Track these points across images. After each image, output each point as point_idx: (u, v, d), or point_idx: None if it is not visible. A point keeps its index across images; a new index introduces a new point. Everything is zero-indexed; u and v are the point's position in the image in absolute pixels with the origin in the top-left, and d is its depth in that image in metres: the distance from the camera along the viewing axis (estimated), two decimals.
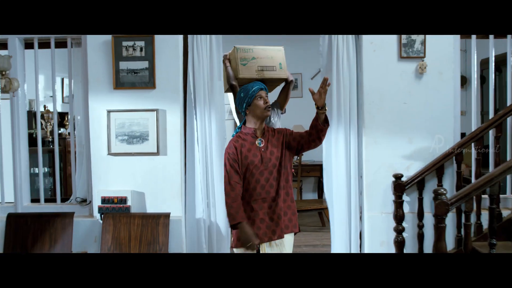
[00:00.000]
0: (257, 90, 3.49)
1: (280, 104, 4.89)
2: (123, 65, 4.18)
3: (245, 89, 3.53)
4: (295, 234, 3.62)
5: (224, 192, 3.49)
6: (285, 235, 3.49)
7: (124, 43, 4.16)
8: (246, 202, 3.48)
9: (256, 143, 3.50)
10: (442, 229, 3.23)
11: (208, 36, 4.31)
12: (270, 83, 4.65)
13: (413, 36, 4.17)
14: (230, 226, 3.50)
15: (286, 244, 3.53)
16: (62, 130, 7.33)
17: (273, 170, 3.47)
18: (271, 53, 4.68)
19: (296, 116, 7.00)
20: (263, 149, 3.49)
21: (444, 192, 3.21)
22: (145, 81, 4.20)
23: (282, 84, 4.82)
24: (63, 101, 8.11)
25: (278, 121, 4.83)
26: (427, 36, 4.20)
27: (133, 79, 4.19)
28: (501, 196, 4.06)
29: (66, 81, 7.81)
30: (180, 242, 4.23)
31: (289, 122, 6.52)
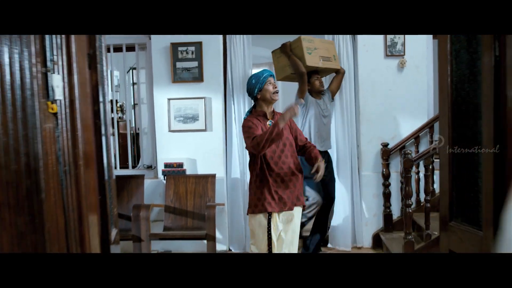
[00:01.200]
0: (267, 76, 3.75)
1: (332, 92, 5.47)
2: (179, 64, 5.59)
3: (256, 76, 3.77)
4: (302, 208, 3.89)
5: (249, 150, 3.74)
6: (294, 208, 3.73)
7: (179, 48, 5.57)
8: (261, 177, 3.66)
9: (267, 123, 3.75)
10: (409, 178, 4.61)
11: (241, 37, 5.66)
12: (323, 73, 5.40)
13: (395, 39, 5.49)
14: (278, 134, 3.43)
15: (295, 216, 3.76)
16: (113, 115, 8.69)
17: (284, 148, 3.68)
18: (326, 45, 5.27)
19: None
20: None
21: (410, 152, 4.58)
22: (195, 76, 5.61)
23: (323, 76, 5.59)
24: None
25: (329, 107, 5.39)
26: (406, 37, 5.51)
27: (187, 75, 5.60)
28: None
29: (115, 73, 9.21)
30: (223, 195, 5.66)
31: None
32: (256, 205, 3.67)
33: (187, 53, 5.58)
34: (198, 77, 5.60)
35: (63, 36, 1.88)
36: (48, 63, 1.77)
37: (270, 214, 3.62)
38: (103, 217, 2.25)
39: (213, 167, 5.67)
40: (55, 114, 1.83)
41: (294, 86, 5.32)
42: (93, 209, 2.14)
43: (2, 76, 1.62)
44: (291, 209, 3.69)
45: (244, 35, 5.64)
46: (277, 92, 3.75)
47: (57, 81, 1.81)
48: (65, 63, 1.90)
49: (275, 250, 3.67)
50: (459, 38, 2.44)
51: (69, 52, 1.93)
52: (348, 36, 5.60)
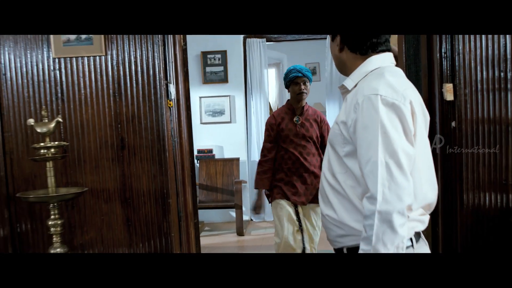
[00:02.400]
0: (293, 78, 3.77)
1: None
2: (208, 69, 6.88)
3: (285, 73, 3.88)
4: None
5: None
6: (311, 204, 3.77)
7: (208, 56, 6.85)
8: (281, 169, 3.79)
9: (294, 119, 3.80)
10: None
11: (257, 43, 6.93)
12: None
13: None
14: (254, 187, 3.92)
15: (315, 211, 3.81)
16: None
17: (306, 145, 3.74)
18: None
19: (315, 96, 9.47)
20: (299, 126, 3.78)
21: None
22: (221, 78, 6.90)
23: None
24: None
25: None
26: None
27: (214, 77, 6.89)
28: None
29: None
30: (245, 175, 6.94)
31: (310, 100, 9.04)
32: (272, 192, 3.84)
33: (214, 59, 6.87)
34: (223, 79, 6.89)
35: (173, 60, 3.17)
36: (168, 78, 3.07)
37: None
38: (192, 177, 3.55)
39: (236, 152, 6.94)
40: (170, 108, 3.13)
41: None
42: (186, 167, 3.42)
43: (149, 87, 2.93)
44: (304, 203, 3.74)
45: (260, 40, 6.92)
46: (302, 93, 3.78)
47: (172, 88, 3.11)
48: (173, 77, 3.19)
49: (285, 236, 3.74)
50: (409, 37, 3.60)
51: (176, 70, 3.22)
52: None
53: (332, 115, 7.10)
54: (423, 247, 1.75)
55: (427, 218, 1.76)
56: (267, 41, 7.06)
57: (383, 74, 1.66)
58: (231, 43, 6.83)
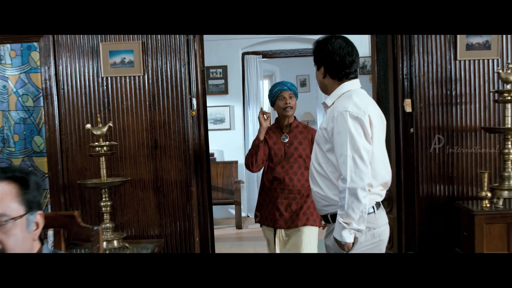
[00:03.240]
0: (279, 91, 3.63)
1: None
2: (210, 82, 7.74)
3: (270, 90, 3.74)
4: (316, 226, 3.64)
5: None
6: (301, 227, 3.57)
7: (211, 70, 7.71)
8: (267, 189, 3.66)
9: (281, 138, 3.66)
10: None
11: (254, 59, 7.82)
12: None
13: (366, 62, 7.66)
14: (256, 144, 3.57)
15: (302, 235, 3.58)
16: None
17: (293, 165, 3.59)
18: None
19: (306, 106, 10.18)
20: (287, 145, 3.63)
21: None
22: (222, 90, 7.76)
23: None
24: None
25: None
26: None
27: (216, 89, 7.75)
28: None
29: None
30: (243, 176, 7.77)
31: (299, 111, 9.73)
32: (256, 216, 3.80)
33: (216, 73, 7.75)
34: (224, 91, 7.76)
35: (195, 78, 4.03)
36: (191, 93, 3.94)
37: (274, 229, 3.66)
38: (207, 170, 4.40)
39: (235, 156, 7.78)
40: (192, 116, 3.99)
41: None
42: (204, 163, 4.28)
43: (177, 100, 3.81)
44: (290, 227, 3.59)
45: (257, 56, 7.81)
46: (288, 108, 3.62)
47: (194, 101, 3.97)
48: (195, 92, 4.05)
49: None
50: (379, 61, 4.44)
51: (197, 86, 4.08)
52: None
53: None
54: (382, 213, 2.63)
55: (384, 192, 2.66)
56: (263, 57, 7.95)
57: (351, 96, 2.55)
58: (231, 59, 7.71)
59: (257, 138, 3.58)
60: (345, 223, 2.43)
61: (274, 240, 3.64)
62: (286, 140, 3.64)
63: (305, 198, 3.58)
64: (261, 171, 3.77)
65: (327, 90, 2.72)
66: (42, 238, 1.71)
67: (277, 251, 3.61)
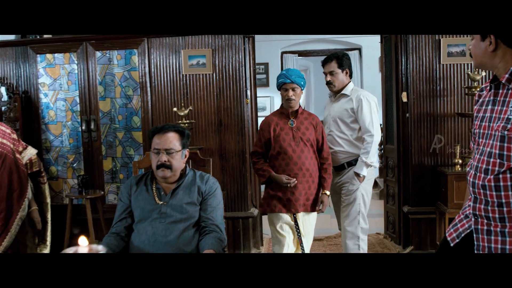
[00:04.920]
0: (281, 83, 3.73)
1: None
2: (258, 76, 9.22)
3: (277, 76, 3.84)
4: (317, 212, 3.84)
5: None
6: (312, 213, 3.79)
7: (257, 66, 9.18)
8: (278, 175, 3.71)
9: (289, 123, 3.74)
10: None
11: (291, 57, 9.27)
12: None
13: None
14: (264, 183, 3.80)
15: (312, 221, 3.83)
16: None
17: (304, 149, 3.68)
18: None
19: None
20: (294, 129, 3.71)
21: None
22: (264, 83, 9.25)
23: None
24: None
25: None
26: None
27: (259, 82, 9.17)
28: None
29: None
30: None
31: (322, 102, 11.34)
32: (261, 204, 3.86)
33: (259, 69, 9.24)
34: (265, 84, 9.27)
35: (249, 74, 5.53)
36: (246, 85, 5.44)
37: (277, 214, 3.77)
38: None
39: None
40: (247, 104, 5.48)
41: None
42: (254, 136, 5.76)
43: (236, 91, 5.33)
44: (307, 211, 3.71)
45: (293, 55, 9.26)
46: (290, 100, 3.70)
47: (248, 92, 5.47)
48: (249, 85, 5.54)
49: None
50: (386, 63, 5.87)
51: (250, 80, 5.57)
52: (357, 55, 9.18)
53: None
54: None
55: None
56: (298, 55, 9.42)
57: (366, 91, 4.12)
58: (272, 57, 9.22)
59: (264, 177, 3.77)
60: (369, 162, 4.02)
61: (294, 225, 3.74)
62: (294, 125, 3.74)
63: (316, 183, 3.78)
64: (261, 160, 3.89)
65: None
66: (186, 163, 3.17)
67: (302, 234, 3.74)
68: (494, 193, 1.96)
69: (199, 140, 5.43)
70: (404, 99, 5.24)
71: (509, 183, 1.90)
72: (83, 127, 5.57)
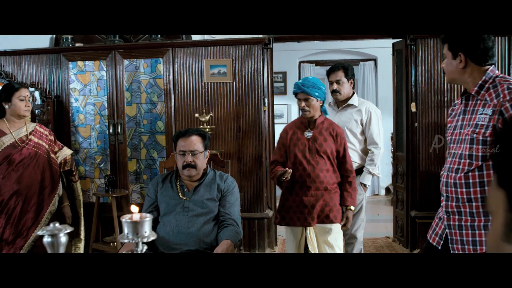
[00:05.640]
0: (295, 92, 3.62)
1: None
2: (276, 85, 9.55)
3: (294, 84, 3.69)
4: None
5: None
6: (330, 225, 3.55)
7: (274, 75, 9.53)
8: (292, 187, 3.59)
9: (305, 133, 3.61)
10: None
11: (308, 66, 9.61)
12: None
13: None
14: (281, 188, 3.72)
15: (331, 233, 3.57)
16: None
17: (319, 161, 3.54)
18: None
19: None
20: (311, 140, 3.57)
21: None
22: (282, 91, 9.59)
23: None
24: None
25: None
26: None
27: (277, 91, 9.48)
28: None
29: None
30: None
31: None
32: (276, 216, 3.78)
33: (277, 78, 9.58)
34: (283, 92, 9.60)
35: (267, 83, 5.87)
36: (264, 93, 5.78)
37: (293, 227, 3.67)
38: (273, 149, 6.22)
39: None
40: (264, 111, 5.82)
41: None
42: (270, 143, 6.09)
43: (254, 98, 5.67)
44: (310, 225, 3.53)
45: (310, 64, 9.58)
46: (304, 110, 3.55)
47: (265, 100, 5.80)
48: (266, 93, 5.88)
49: None
50: (397, 76, 6.17)
51: (268, 88, 5.92)
52: (372, 65, 9.48)
53: None
54: None
55: None
56: (315, 65, 9.74)
57: (371, 103, 4.41)
58: (290, 66, 9.55)
59: (275, 178, 3.63)
60: (376, 173, 4.38)
61: (304, 240, 3.59)
62: (309, 136, 3.58)
63: (332, 195, 3.57)
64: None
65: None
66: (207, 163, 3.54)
67: (310, 250, 3.53)
68: (464, 189, 2.29)
69: (219, 145, 5.77)
70: (413, 109, 5.53)
71: (477, 180, 2.23)
72: (110, 130, 5.94)
